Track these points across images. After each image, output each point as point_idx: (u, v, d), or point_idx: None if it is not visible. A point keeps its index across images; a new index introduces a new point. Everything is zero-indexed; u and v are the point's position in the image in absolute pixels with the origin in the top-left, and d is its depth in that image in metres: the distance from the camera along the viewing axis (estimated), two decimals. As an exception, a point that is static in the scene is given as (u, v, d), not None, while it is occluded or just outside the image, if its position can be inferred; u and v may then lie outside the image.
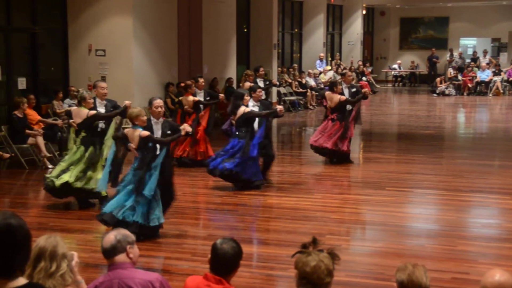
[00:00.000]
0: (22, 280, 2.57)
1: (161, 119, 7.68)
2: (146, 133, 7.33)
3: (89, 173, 8.78)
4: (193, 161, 11.55)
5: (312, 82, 22.62)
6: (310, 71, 23.37)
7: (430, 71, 29.35)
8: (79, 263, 3.74)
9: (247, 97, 9.89)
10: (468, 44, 31.16)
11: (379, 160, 12.27)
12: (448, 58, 28.99)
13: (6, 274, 2.53)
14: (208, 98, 11.87)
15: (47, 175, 9.06)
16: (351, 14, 29.03)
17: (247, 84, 12.66)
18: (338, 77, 24.31)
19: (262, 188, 9.92)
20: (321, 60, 25.16)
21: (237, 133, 9.81)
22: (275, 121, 18.04)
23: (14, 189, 10.60)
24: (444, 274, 6.39)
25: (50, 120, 12.86)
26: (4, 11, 13.58)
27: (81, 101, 8.87)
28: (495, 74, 25.81)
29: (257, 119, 9.90)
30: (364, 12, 29.37)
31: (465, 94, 25.71)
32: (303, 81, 22.23)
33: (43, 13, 14.78)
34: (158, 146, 7.46)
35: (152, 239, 7.43)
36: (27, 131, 11.92)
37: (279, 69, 22.33)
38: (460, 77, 26.29)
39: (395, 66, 30.32)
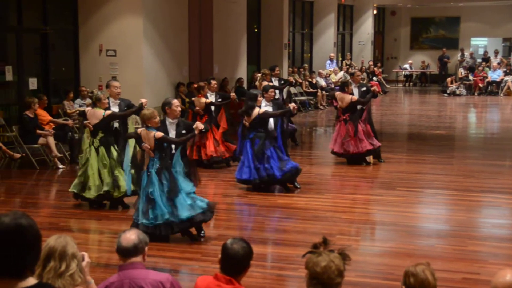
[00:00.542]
0: (32, 280, 2.58)
1: (176, 119, 7.65)
2: (160, 134, 7.30)
3: (121, 179, 8.73)
4: (224, 159, 11.65)
5: (322, 82, 22.58)
6: (321, 71, 23.33)
7: (441, 71, 29.24)
8: (90, 263, 3.75)
9: (260, 98, 9.81)
10: (479, 44, 31.03)
11: (390, 160, 12.23)
12: (459, 58, 28.88)
13: (16, 274, 2.54)
14: (219, 100, 11.87)
15: (90, 193, 8.84)
16: (361, 14, 28.97)
17: (265, 83, 12.60)
18: (349, 77, 24.35)
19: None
20: (331, 60, 25.12)
21: (250, 136, 9.75)
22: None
23: (25, 189, 10.65)
24: (455, 274, 6.36)
25: (61, 120, 12.91)
26: (15, 12, 13.65)
27: (96, 102, 8.86)
28: (506, 74, 25.68)
29: (271, 119, 9.88)
30: (375, 12, 29.30)
31: (476, 94, 25.60)
32: (314, 81, 22.20)
33: (54, 14, 14.84)
34: (173, 146, 7.45)
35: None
36: (38, 131, 11.97)
37: (290, 69, 22.31)
38: (471, 77, 26.17)
39: (406, 66, 30.23)
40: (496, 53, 27.99)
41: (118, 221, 8.41)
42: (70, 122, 12.73)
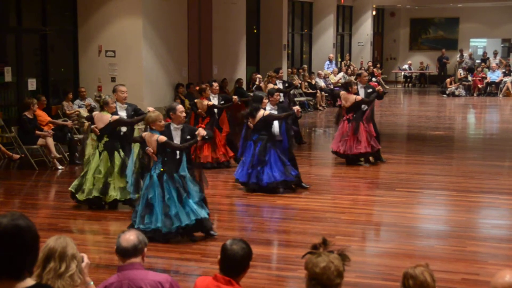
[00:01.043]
0: (30, 281, 2.58)
1: (181, 125, 7.57)
2: (163, 138, 7.27)
3: (112, 187, 8.72)
4: (218, 163, 11.64)
5: (322, 83, 22.58)
6: (320, 72, 23.34)
7: (440, 71, 29.26)
8: (89, 264, 3.74)
9: (265, 100, 9.76)
10: (478, 44, 31.06)
11: (389, 160, 12.23)
12: (458, 59, 28.90)
13: (14, 275, 2.54)
14: (222, 102, 11.85)
15: (82, 196, 8.84)
16: (361, 15, 28.99)
17: (270, 86, 12.57)
18: (348, 78, 24.35)
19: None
20: (330, 61, 25.12)
21: (254, 138, 9.74)
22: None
23: (24, 190, 10.64)
24: (454, 275, 6.37)
25: (60, 121, 12.91)
26: (14, 13, 13.65)
27: (104, 106, 8.84)
28: (505, 74, 25.69)
29: (276, 122, 9.85)
30: (374, 13, 29.32)
31: (475, 95, 25.61)
32: (313, 82, 22.20)
33: (53, 15, 14.84)
34: (177, 151, 7.41)
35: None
36: (37, 132, 11.97)
37: (289, 70, 22.31)
38: (470, 78, 26.19)
39: (405, 66, 30.24)
40: (495, 54, 28.02)
41: (118, 222, 8.41)
42: (69, 123, 12.73)
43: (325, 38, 26.02)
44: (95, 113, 8.98)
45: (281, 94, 11.99)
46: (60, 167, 11.82)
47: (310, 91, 21.81)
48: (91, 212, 8.95)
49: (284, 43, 21.41)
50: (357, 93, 11.66)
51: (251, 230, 8.20)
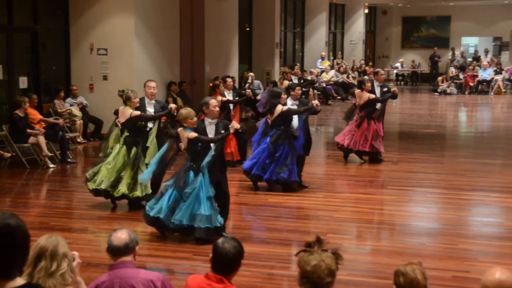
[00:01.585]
0: (20, 281, 2.57)
1: (215, 119, 7.52)
2: (193, 134, 7.24)
3: (123, 182, 8.65)
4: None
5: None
6: (313, 70, 23.35)
7: (432, 70, 29.35)
8: (81, 263, 3.74)
9: (284, 96, 9.72)
10: (470, 43, 31.16)
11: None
12: (449, 57, 28.98)
13: (4, 275, 2.53)
14: (237, 98, 11.81)
15: (101, 187, 8.74)
16: (353, 13, 29.03)
17: (286, 83, 12.51)
18: (340, 76, 24.38)
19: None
20: (322, 59, 25.15)
21: (271, 133, 9.69)
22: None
23: (15, 188, 10.61)
24: (445, 272, 6.39)
25: (51, 120, 12.86)
26: (5, 10, 13.59)
27: (126, 101, 8.75)
28: (497, 73, 25.79)
29: (295, 117, 9.78)
30: (366, 11, 29.37)
31: (466, 93, 25.69)
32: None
33: (45, 12, 14.80)
34: (212, 145, 7.36)
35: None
36: (28, 130, 11.93)
37: (281, 68, 22.28)
38: (461, 76, 26.28)
39: (397, 65, 30.30)
40: (486, 52, 28.14)
41: (109, 221, 8.40)
42: (60, 121, 12.70)
43: (318, 36, 26.05)
44: (121, 108, 8.89)
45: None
46: (51, 165, 11.79)
47: (303, 89, 21.76)
48: (82, 210, 8.94)
49: (277, 41, 21.41)
50: (373, 91, 11.71)
51: (242, 228, 8.20)
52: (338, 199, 9.49)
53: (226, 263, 3.74)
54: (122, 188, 8.59)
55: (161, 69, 15.43)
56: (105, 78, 14.67)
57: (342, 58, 27.34)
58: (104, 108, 14.30)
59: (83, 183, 9.20)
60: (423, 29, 31.67)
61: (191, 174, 7.33)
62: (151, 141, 8.82)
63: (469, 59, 28.40)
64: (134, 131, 8.75)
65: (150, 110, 9.03)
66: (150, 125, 8.96)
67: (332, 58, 27.56)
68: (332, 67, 25.14)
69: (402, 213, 8.87)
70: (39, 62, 14.30)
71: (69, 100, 14.15)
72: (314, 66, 24.51)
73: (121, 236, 3.86)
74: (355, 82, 26.00)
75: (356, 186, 10.46)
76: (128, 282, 3.78)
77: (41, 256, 3.49)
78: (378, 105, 11.81)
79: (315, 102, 9.80)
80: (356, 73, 26.67)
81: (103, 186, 8.70)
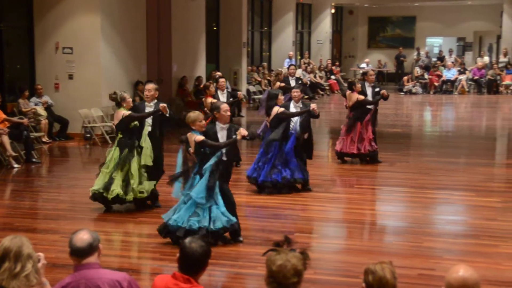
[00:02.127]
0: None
1: (227, 124, 7.40)
2: (200, 138, 7.11)
3: (132, 181, 8.51)
4: None
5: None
6: (280, 69, 23.40)
7: (398, 69, 29.64)
8: (46, 264, 3.69)
9: (281, 97, 9.67)
10: (435, 43, 31.54)
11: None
12: (415, 57, 29.31)
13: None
14: (231, 99, 11.53)
15: (94, 188, 8.63)
16: (320, 13, 29.16)
17: (278, 84, 12.39)
18: (307, 76, 24.49)
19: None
20: (290, 58, 25.22)
21: (267, 135, 9.63)
22: (244, 120, 18.06)
23: (-21, 188, 10.44)
24: (411, 270, 6.47)
25: (15, 119, 12.68)
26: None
27: (121, 102, 8.56)
28: (461, 73, 26.16)
29: (297, 119, 9.67)
30: (332, 11, 29.53)
31: (431, 92, 26.01)
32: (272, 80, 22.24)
33: (9, 11, 14.58)
34: (223, 150, 7.24)
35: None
36: (-8, 130, 11.75)
37: (249, 67, 22.33)
38: (426, 76, 26.59)
39: (363, 65, 30.51)
40: (450, 52, 28.52)
41: (74, 221, 8.31)
42: (25, 120, 12.53)
43: (285, 36, 26.12)
44: (118, 110, 8.71)
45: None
46: (16, 165, 11.63)
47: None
48: (47, 211, 8.84)
49: (244, 41, 21.41)
50: (364, 92, 11.69)
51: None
52: (305, 198, 9.52)
53: (193, 263, 3.73)
54: (116, 188, 8.47)
55: (128, 69, 15.32)
56: (70, 77, 14.52)
57: (309, 57, 27.45)
58: (70, 108, 14.16)
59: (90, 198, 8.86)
60: (388, 29, 31.96)
61: (198, 178, 7.21)
62: (144, 140, 8.65)
63: (434, 59, 28.75)
64: (128, 132, 8.63)
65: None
66: (149, 128, 8.82)
67: (299, 57, 27.66)
68: (299, 67, 25.23)
69: (368, 212, 8.94)
70: (3, 61, 14.09)
71: (34, 99, 13.97)
72: (281, 66, 24.57)
73: (83, 237, 3.79)
74: (322, 82, 26.26)
75: (323, 185, 10.50)
76: (94, 282, 3.74)
77: (5, 257, 3.45)
78: (372, 106, 11.77)
79: (313, 105, 9.63)
80: (323, 72, 26.80)
81: (95, 187, 8.60)
